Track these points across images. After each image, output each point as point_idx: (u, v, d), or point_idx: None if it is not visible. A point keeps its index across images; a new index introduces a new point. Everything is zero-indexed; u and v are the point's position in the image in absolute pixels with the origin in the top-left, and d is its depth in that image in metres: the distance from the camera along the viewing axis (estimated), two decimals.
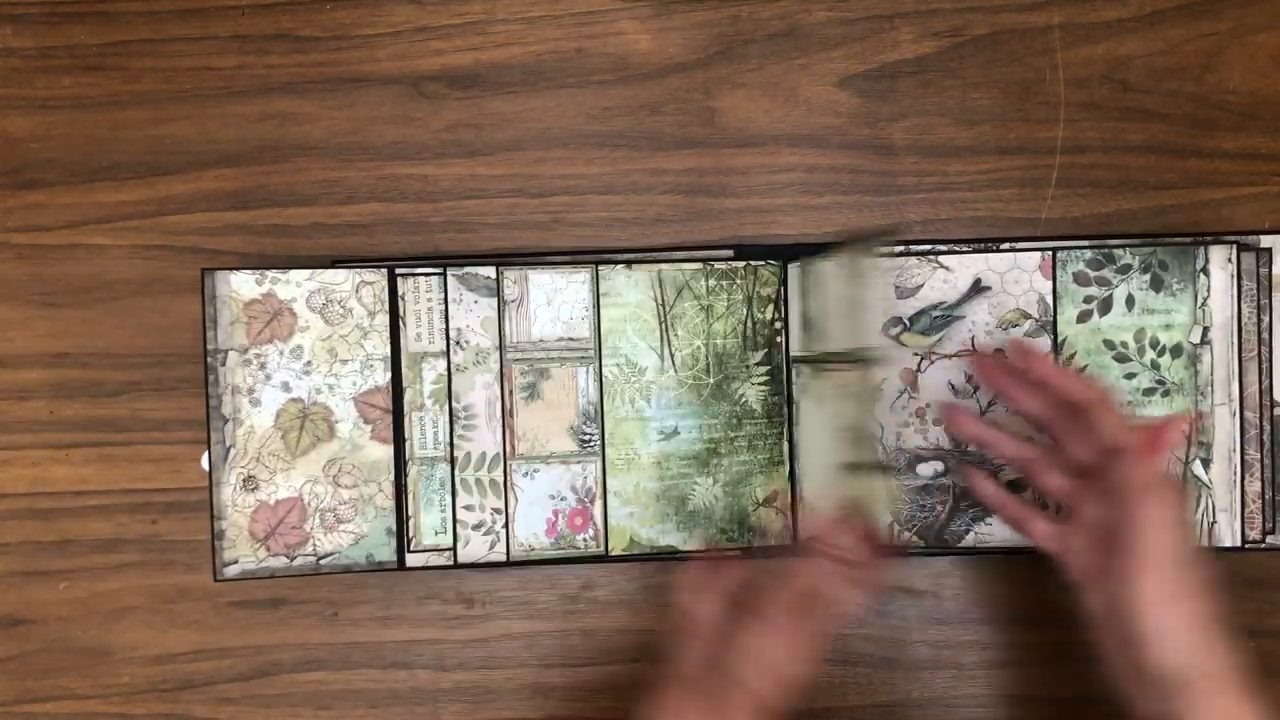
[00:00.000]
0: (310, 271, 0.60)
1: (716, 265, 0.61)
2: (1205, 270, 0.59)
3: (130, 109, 0.63)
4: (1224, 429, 0.59)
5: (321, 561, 0.61)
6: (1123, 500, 0.49)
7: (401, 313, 0.61)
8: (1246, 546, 0.59)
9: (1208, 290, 0.59)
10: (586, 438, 0.61)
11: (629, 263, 0.61)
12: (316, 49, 0.63)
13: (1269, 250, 0.60)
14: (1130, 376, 0.60)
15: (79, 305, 0.63)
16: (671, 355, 0.61)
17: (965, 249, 0.60)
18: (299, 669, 0.63)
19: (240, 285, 0.60)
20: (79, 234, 0.63)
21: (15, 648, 0.63)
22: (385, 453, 0.61)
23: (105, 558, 0.63)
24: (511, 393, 0.61)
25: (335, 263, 0.62)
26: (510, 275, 0.61)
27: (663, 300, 0.61)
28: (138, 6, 0.63)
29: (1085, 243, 0.60)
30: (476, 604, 0.63)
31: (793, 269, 0.61)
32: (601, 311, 0.61)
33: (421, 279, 0.61)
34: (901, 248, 0.61)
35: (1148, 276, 0.60)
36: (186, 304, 0.63)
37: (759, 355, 0.61)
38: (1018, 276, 0.60)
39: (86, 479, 0.63)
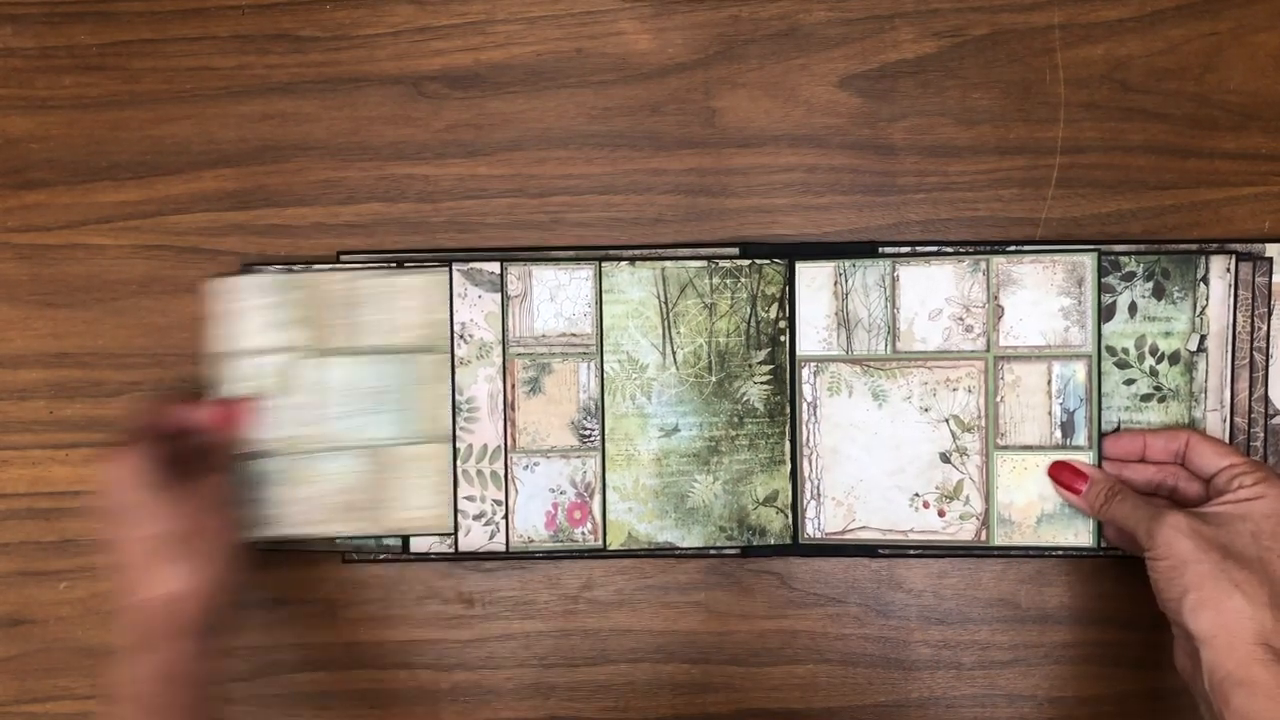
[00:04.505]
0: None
1: (721, 263, 0.61)
2: (1205, 279, 0.59)
3: (130, 109, 0.63)
4: (1214, 434, 0.59)
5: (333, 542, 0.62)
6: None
7: None
8: None
9: (1206, 299, 0.59)
10: (587, 433, 0.61)
11: (633, 260, 0.61)
12: (316, 49, 0.63)
13: (1270, 260, 0.60)
14: (1129, 383, 0.60)
15: (79, 305, 0.63)
16: (674, 352, 0.61)
17: (966, 249, 0.61)
18: (299, 669, 0.63)
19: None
20: (79, 234, 0.63)
21: (15, 648, 0.63)
22: None
23: (105, 558, 0.63)
24: (513, 387, 0.61)
25: (340, 255, 0.62)
26: (514, 271, 0.61)
27: (666, 297, 0.61)
28: (138, 6, 0.63)
29: (1088, 246, 0.60)
30: (476, 604, 0.63)
31: (819, 267, 0.61)
32: (604, 308, 0.61)
33: None
34: (907, 249, 0.61)
35: (1150, 284, 0.60)
36: (186, 304, 0.63)
37: (762, 354, 0.61)
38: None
39: (86, 479, 0.63)
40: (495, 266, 0.61)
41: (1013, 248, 0.60)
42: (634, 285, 0.61)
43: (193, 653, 0.54)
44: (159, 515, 0.54)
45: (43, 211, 0.63)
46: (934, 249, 0.61)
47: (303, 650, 0.63)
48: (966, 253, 0.60)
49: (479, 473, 0.61)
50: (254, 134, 0.63)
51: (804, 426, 0.61)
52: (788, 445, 0.61)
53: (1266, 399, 0.60)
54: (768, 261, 0.61)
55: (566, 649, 0.63)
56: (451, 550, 0.61)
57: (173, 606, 0.54)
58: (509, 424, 0.61)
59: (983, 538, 0.60)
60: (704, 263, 0.61)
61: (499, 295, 0.61)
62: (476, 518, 0.61)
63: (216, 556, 0.55)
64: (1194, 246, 0.60)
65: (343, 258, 0.62)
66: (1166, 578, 0.51)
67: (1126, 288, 0.60)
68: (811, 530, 0.61)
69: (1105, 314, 0.60)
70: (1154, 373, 0.60)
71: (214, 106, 0.63)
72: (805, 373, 0.61)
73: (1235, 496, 0.53)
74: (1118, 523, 0.56)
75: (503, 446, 0.61)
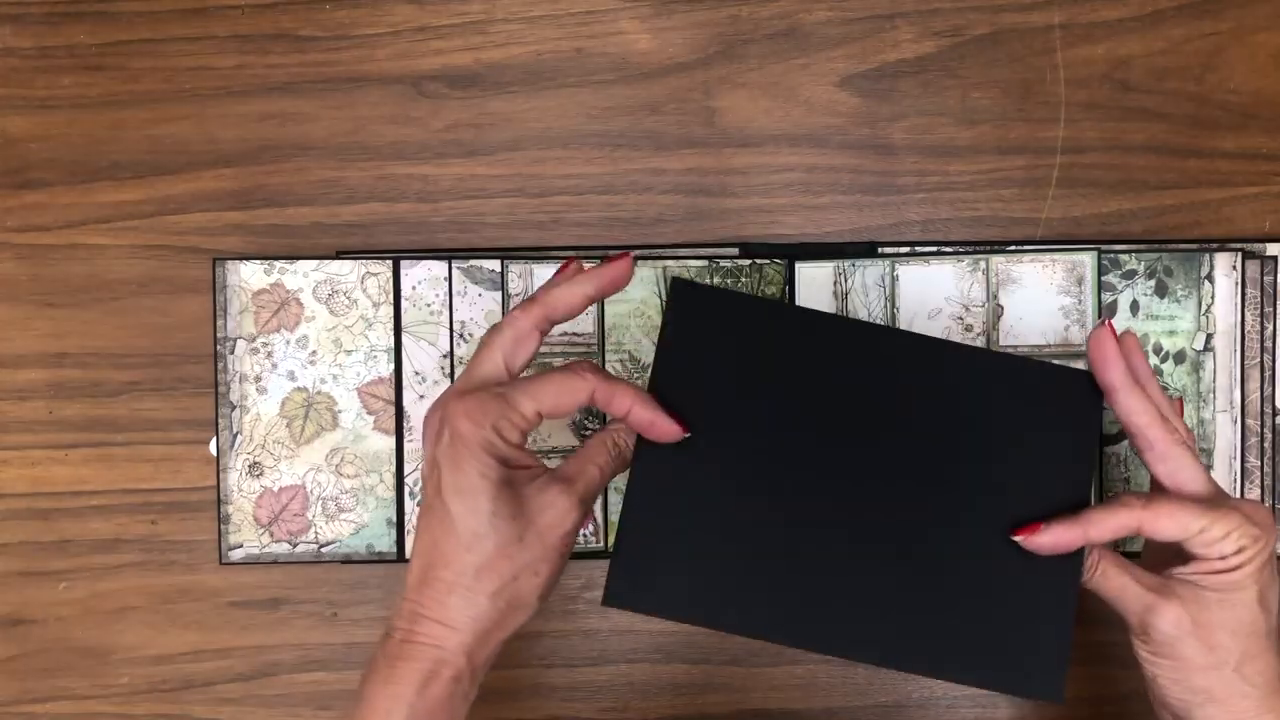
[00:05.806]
0: (317, 262, 0.61)
1: (721, 263, 0.61)
2: (1210, 277, 0.59)
3: (130, 109, 0.63)
4: (1225, 436, 0.59)
5: (323, 550, 0.61)
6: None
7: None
8: None
9: (1212, 297, 0.59)
10: (588, 432, 0.61)
11: (634, 259, 0.61)
12: (316, 49, 0.63)
13: (1275, 259, 0.60)
14: None
15: (79, 305, 0.63)
16: None
17: (965, 249, 0.61)
18: (299, 669, 0.63)
19: (250, 275, 0.61)
20: (79, 234, 0.63)
21: (15, 648, 0.63)
22: (387, 444, 0.61)
23: (105, 558, 0.63)
24: None
25: (340, 254, 0.62)
26: (515, 269, 0.61)
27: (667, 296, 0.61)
28: (137, 6, 0.63)
29: (1089, 246, 0.60)
30: None
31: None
32: (605, 307, 0.61)
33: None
34: (906, 249, 0.61)
35: (1152, 282, 0.60)
36: (186, 304, 0.63)
37: None
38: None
39: (86, 479, 0.63)
40: (495, 264, 0.61)
41: (1012, 247, 0.60)
42: (636, 284, 0.61)
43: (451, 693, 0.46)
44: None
45: (42, 211, 0.63)
46: (934, 249, 0.61)
47: (303, 650, 0.63)
48: (966, 252, 0.60)
49: None
50: (253, 134, 0.63)
51: None
52: None
53: (1274, 399, 0.59)
54: (768, 261, 0.61)
55: (566, 649, 0.63)
56: None
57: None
58: None
59: None
60: (705, 262, 0.61)
61: (499, 294, 0.61)
62: None
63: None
64: (1194, 246, 0.60)
65: (340, 255, 0.62)
66: (1172, 679, 0.46)
67: (1127, 285, 0.60)
68: None
69: (1106, 312, 0.60)
70: (1159, 372, 0.60)
71: (214, 106, 0.63)
72: None
73: (1227, 566, 0.44)
74: (1102, 596, 0.48)
75: None
